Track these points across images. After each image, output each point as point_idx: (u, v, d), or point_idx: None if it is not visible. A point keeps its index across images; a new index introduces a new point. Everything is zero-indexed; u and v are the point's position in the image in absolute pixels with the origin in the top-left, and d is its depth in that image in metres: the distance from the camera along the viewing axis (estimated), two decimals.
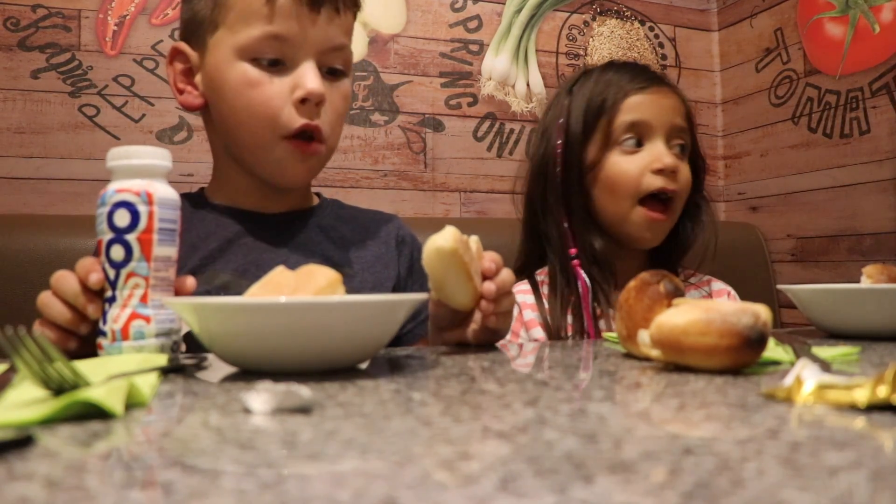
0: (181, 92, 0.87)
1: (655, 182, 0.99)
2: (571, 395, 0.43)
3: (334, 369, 0.52)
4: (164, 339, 0.59)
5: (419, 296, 0.56)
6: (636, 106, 1.01)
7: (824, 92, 1.72)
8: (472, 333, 0.70)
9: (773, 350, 0.56)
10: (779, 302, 1.67)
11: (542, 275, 1.06)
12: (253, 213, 0.88)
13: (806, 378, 0.39)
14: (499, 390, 0.45)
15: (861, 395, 0.36)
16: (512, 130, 1.83)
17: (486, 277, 0.69)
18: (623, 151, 1.01)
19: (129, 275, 0.58)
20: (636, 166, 1.00)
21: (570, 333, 0.99)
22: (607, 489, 0.24)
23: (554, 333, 0.99)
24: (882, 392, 0.35)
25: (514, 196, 1.13)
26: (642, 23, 1.97)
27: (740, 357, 0.49)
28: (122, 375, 0.42)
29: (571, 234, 1.01)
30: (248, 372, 0.52)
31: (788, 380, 0.40)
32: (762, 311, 0.50)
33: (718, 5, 2.04)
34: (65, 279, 0.60)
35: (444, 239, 0.63)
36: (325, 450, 0.30)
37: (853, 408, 0.36)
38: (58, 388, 0.38)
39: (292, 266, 0.57)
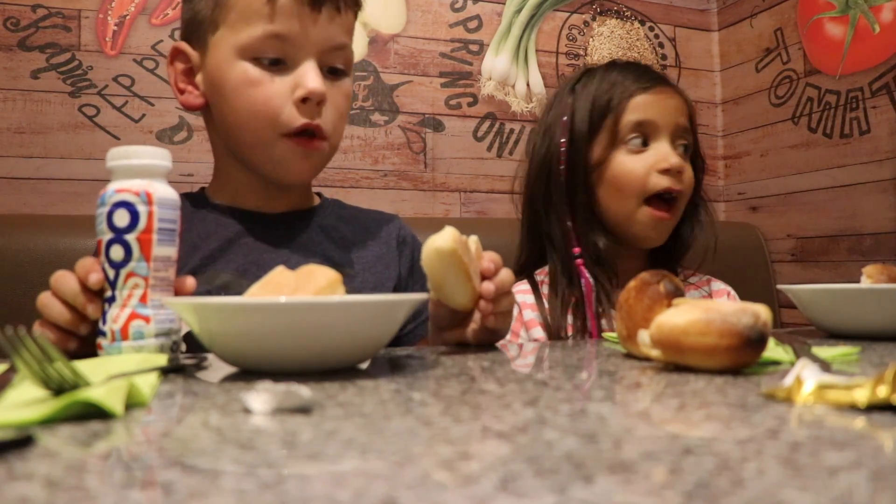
0: (182, 92, 0.87)
1: (662, 182, 0.99)
2: (571, 395, 0.43)
3: (334, 369, 0.52)
4: (164, 339, 0.59)
5: (419, 296, 0.56)
6: (642, 106, 1.01)
7: (824, 92, 1.72)
8: (471, 333, 0.70)
9: (773, 350, 0.56)
10: (779, 302, 1.67)
11: (541, 275, 1.06)
12: (254, 212, 0.88)
13: (806, 378, 0.39)
14: (499, 390, 0.45)
15: (861, 395, 0.36)
16: (512, 130, 1.83)
17: (485, 277, 0.69)
18: (629, 151, 1.01)
19: (129, 275, 0.58)
20: (642, 166, 1.00)
21: (570, 333, 0.99)
22: (607, 489, 0.24)
23: (554, 333, 0.99)
24: (882, 392, 0.35)
25: (513, 196, 1.13)
26: (642, 23, 1.97)
27: (740, 357, 0.49)
28: (122, 375, 0.42)
29: (575, 233, 1.01)
30: (248, 372, 0.51)
31: (788, 380, 0.40)
32: (762, 311, 0.50)
33: (718, 5, 2.04)
34: (64, 279, 0.60)
35: (443, 239, 0.63)
36: (325, 450, 0.30)
37: (853, 408, 0.36)
38: (58, 388, 0.38)
39: (293, 266, 0.57)
